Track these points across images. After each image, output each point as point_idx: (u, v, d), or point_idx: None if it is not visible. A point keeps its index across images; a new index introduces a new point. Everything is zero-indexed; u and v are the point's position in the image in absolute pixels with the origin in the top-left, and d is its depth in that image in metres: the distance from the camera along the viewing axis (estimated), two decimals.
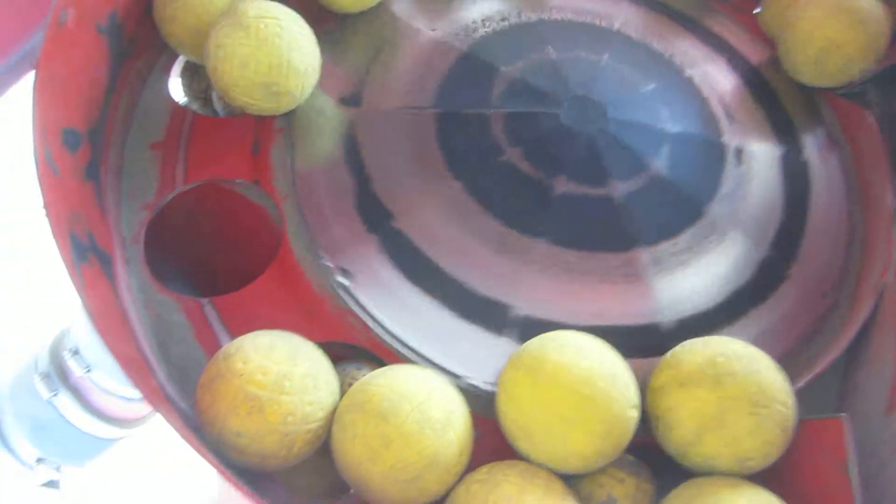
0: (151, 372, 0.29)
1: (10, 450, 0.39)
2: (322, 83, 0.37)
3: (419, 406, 0.27)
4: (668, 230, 0.36)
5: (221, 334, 0.33)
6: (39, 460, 0.39)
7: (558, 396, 0.27)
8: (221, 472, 0.24)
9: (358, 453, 0.26)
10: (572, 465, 0.28)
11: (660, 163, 0.37)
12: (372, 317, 0.33)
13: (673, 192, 0.37)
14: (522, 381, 0.28)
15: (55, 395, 0.38)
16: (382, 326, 0.33)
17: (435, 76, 0.39)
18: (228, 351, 0.28)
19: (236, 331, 0.31)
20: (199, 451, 0.23)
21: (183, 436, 0.23)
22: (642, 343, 0.33)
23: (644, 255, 0.35)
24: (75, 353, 0.37)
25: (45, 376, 0.38)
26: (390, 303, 0.33)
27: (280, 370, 0.27)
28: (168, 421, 0.23)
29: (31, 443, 0.39)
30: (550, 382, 0.27)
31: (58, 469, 0.40)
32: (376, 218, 0.35)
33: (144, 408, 0.39)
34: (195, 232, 0.37)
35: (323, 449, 0.29)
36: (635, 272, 0.35)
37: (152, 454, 0.60)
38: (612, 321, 0.34)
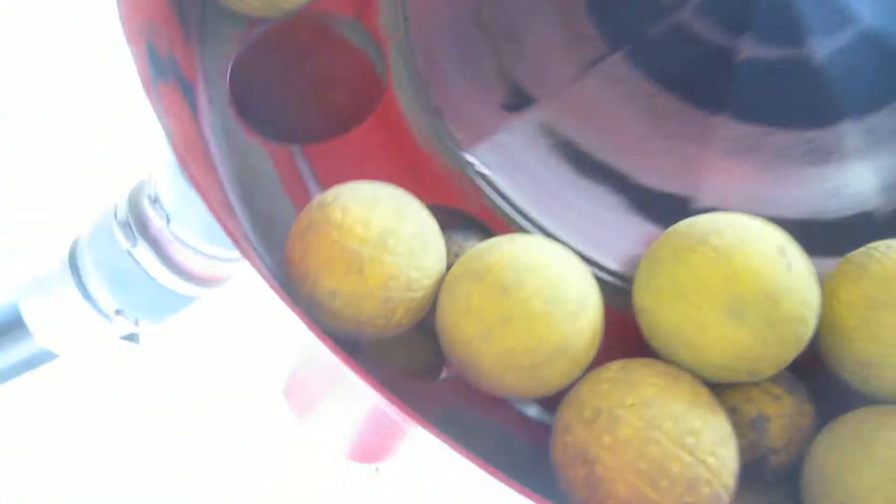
0: (234, 216, 0.25)
1: (90, 298, 0.37)
2: (468, 107, 0.29)
3: (550, 282, 0.22)
4: (884, 97, 0.28)
5: (312, 187, 0.28)
6: (118, 312, 0.37)
7: (717, 285, 0.22)
8: (311, 328, 0.19)
9: (470, 329, 0.22)
10: (722, 371, 0.23)
11: (871, 13, 0.28)
12: (487, 180, 0.27)
13: (889, 50, 0.29)
14: (671, 264, 0.23)
15: (134, 245, 0.35)
16: (499, 192, 0.27)
17: (576, 11, 0.29)
18: (325, 199, 0.23)
19: (329, 185, 0.27)
20: (287, 303, 0.19)
21: (270, 286, 0.19)
22: (850, 237, 0.26)
23: (853, 128, 0.28)
24: (155, 201, 0.34)
25: (124, 225, 0.36)
26: (511, 165, 0.28)
27: (384, 226, 0.22)
28: (254, 267, 0.19)
29: (110, 293, 0.37)
30: (708, 268, 0.22)
31: (136, 323, 0.38)
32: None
33: (224, 267, 0.36)
34: (287, 73, 0.32)
35: (420, 325, 0.25)
36: (842, 150, 0.27)
37: (233, 316, 0.59)
38: (812, 212, 0.27)
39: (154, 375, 0.61)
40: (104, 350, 0.39)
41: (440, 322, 0.23)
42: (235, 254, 0.35)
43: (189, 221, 0.33)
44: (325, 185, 0.28)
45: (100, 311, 0.37)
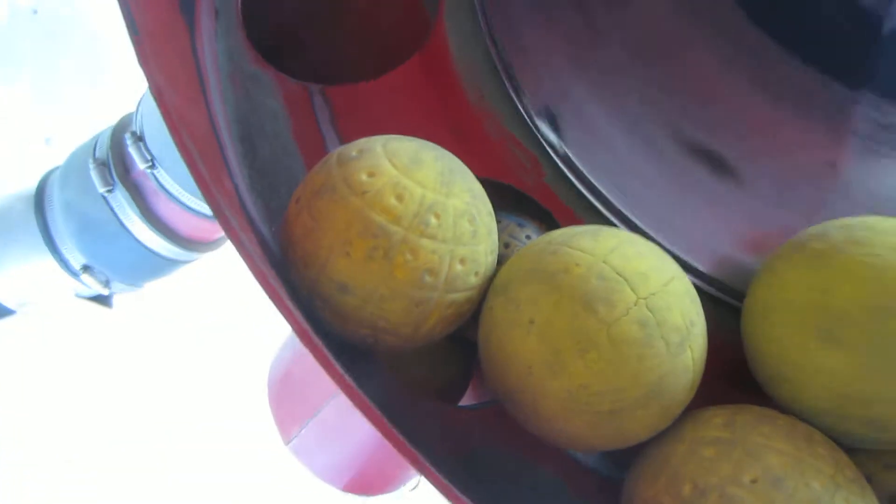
0: (226, 167, 0.18)
1: (55, 250, 0.31)
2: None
3: (651, 299, 0.15)
4: None
5: (330, 138, 0.22)
6: (86, 268, 0.31)
7: (863, 306, 0.15)
8: (306, 342, 0.13)
9: (531, 353, 0.15)
10: (868, 424, 0.16)
11: None
12: (555, 150, 0.21)
13: None
14: (798, 277, 0.16)
15: (110, 190, 0.29)
16: (572, 168, 0.21)
17: None
18: (348, 153, 0.17)
19: (352, 137, 0.20)
20: (276, 301, 0.13)
21: (254, 272, 0.13)
22: None
23: None
24: (139, 139, 0.28)
25: (102, 165, 0.29)
26: (587, 134, 0.21)
27: (426, 198, 0.16)
28: (234, 241, 0.13)
29: (78, 244, 0.30)
30: (852, 283, 0.15)
31: (106, 283, 0.32)
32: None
33: (214, 227, 0.30)
34: None
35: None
36: None
37: (219, 288, 0.53)
38: None
39: (154, 371, 0.55)
40: (74, 318, 0.33)
41: (487, 336, 0.17)
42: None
43: (177, 167, 0.27)
44: (346, 136, 0.22)
45: (65, 264, 0.30)
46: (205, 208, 0.27)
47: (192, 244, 0.30)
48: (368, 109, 0.22)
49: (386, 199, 0.16)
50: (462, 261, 0.16)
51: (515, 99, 0.22)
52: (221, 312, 0.56)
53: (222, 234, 0.32)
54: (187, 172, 0.27)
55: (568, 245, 0.16)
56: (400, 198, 0.16)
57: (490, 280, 0.17)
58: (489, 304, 0.17)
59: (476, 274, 0.17)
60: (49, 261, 0.30)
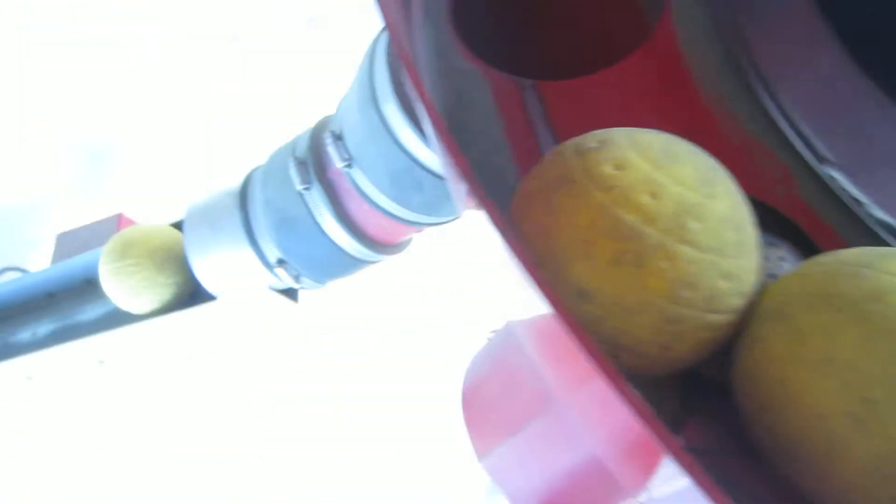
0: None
1: (254, 242, 0.32)
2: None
3: None
4: None
5: (543, 135, 0.20)
6: (280, 262, 0.32)
7: None
8: (578, 336, 0.10)
9: (825, 400, 0.12)
10: None
11: None
12: (816, 153, 0.17)
13: None
14: None
15: (307, 188, 0.29)
16: (849, 178, 0.17)
17: None
18: (586, 143, 0.14)
19: (567, 136, 0.17)
20: (533, 277, 0.10)
21: (509, 243, 0.11)
22: None
23: None
24: (338, 138, 0.28)
25: (301, 164, 0.30)
26: (852, 130, 0.17)
27: (685, 197, 0.13)
28: (486, 209, 0.11)
29: (275, 239, 0.31)
30: None
31: (297, 278, 0.32)
32: None
33: (403, 229, 0.29)
34: None
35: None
36: None
37: (404, 288, 0.51)
38: None
39: (137, 379, 0.54)
40: (258, 303, 0.33)
41: (756, 373, 0.13)
42: (421, 217, 0.27)
43: (374, 168, 0.26)
44: (560, 136, 0.20)
45: (262, 257, 0.31)
46: (395, 209, 0.27)
47: (378, 246, 0.29)
48: (585, 106, 0.20)
49: (637, 196, 0.13)
50: (727, 276, 0.13)
51: (766, 99, 0.18)
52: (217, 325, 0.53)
53: (407, 237, 0.31)
54: (384, 176, 0.26)
55: (873, 268, 0.12)
56: (655, 195, 0.13)
57: (753, 301, 0.14)
58: (758, 332, 0.13)
59: (740, 294, 0.13)
60: (248, 252, 0.31)
